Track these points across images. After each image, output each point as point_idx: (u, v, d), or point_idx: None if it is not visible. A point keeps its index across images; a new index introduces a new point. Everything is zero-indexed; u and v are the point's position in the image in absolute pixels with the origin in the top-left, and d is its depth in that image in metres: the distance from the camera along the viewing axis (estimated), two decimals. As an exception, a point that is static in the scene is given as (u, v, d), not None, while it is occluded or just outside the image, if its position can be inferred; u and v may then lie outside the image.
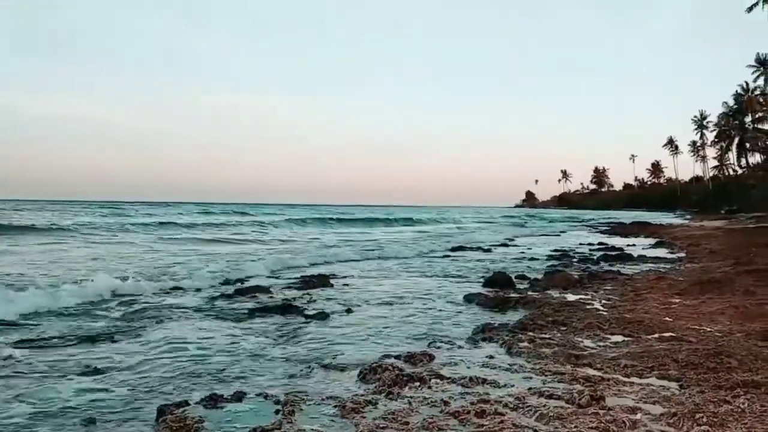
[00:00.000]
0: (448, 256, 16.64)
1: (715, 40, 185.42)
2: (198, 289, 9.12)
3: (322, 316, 6.92)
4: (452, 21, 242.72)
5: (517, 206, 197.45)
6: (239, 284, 9.66)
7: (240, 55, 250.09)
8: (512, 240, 24.82)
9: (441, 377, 4.21)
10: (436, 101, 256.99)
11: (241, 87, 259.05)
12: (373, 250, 17.84)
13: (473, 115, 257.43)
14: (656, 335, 5.57)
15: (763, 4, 52.46)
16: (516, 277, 10.69)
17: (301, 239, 23.15)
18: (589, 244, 21.55)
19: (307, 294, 8.74)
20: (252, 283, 9.88)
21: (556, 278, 10.11)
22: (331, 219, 42.08)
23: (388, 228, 36.58)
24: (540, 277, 10.75)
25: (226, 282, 10.04)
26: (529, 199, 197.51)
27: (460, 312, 7.41)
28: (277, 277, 11.19)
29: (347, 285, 9.91)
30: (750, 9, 53.32)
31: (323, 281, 9.99)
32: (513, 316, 6.89)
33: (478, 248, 19.25)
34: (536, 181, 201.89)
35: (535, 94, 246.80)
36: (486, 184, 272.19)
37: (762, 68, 64.58)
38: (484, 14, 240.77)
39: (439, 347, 5.32)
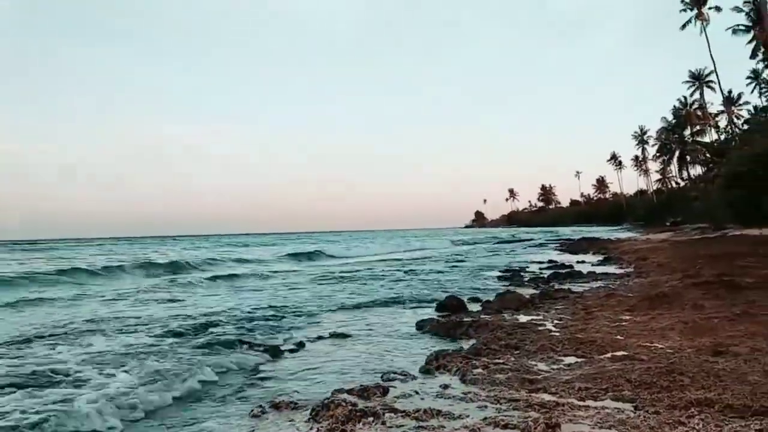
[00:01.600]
0: (401, 280, 16.62)
1: (653, 57, 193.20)
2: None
3: (275, 351, 6.77)
4: (393, 41, 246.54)
5: (466, 226, 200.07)
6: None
7: (170, 84, 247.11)
8: (463, 261, 25.02)
9: (395, 411, 4.15)
10: (380, 125, 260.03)
11: (177, 117, 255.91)
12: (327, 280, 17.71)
13: (419, 137, 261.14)
14: (609, 354, 5.65)
15: (695, 21, 55.33)
16: (468, 300, 10.75)
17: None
18: (540, 262, 21.92)
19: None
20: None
21: (508, 299, 10.21)
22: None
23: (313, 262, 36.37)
24: (492, 298, 10.82)
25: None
26: (479, 219, 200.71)
27: (413, 340, 7.37)
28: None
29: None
30: (683, 26, 56.15)
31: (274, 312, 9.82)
32: (467, 342, 6.89)
33: (430, 270, 19.33)
34: (485, 200, 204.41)
35: (481, 114, 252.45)
36: (435, 206, 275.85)
37: (697, 82, 67.67)
38: (429, 34, 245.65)
39: (392, 379, 5.25)
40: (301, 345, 7.21)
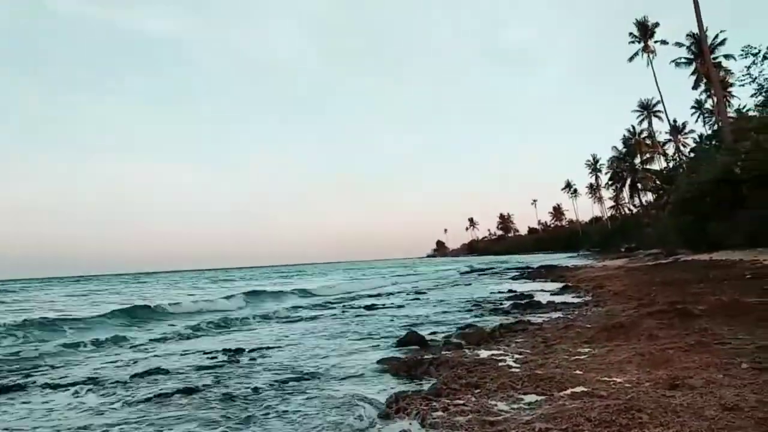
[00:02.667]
0: (360, 315, 16.46)
1: (605, 86, 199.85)
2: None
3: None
4: (347, 74, 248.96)
5: (428, 256, 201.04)
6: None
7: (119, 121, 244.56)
8: (424, 293, 24.98)
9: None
10: (338, 158, 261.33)
11: (126, 154, 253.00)
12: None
13: (380, 170, 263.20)
14: (568, 391, 5.63)
15: (642, 54, 57.48)
16: (429, 334, 10.69)
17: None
18: (500, 292, 22.04)
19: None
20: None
21: (469, 333, 10.17)
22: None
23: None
24: (453, 332, 10.79)
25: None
26: (440, 249, 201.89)
27: (372, 380, 7.24)
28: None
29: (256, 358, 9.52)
30: (631, 58, 58.30)
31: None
32: (428, 380, 6.80)
33: (391, 304, 19.23)
34: (445, 230, 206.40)
35: (439, 146, 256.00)
36: (396, 237, 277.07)
37: (645, 112, 70.07)
38: (384, 66, 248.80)
39: (351, 425, 5.12)
40: (255, 391, 6.99)
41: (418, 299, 21.43)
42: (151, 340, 13.03)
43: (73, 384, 7.98)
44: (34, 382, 8.32)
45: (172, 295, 31.51)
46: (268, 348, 10.60)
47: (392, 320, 14.30)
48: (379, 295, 25.59)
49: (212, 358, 9.70)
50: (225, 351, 10.27)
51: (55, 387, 7.88)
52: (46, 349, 11.80)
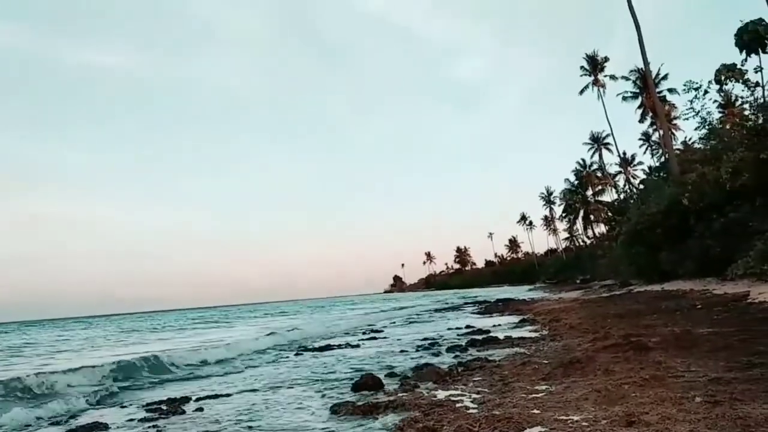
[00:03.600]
0: (314, 357, 16.17)
1: (558, 117, 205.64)
2: None
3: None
4: (300, 105, 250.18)
5: (386, 291, 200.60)
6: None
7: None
8: (381, 331, 24.77)
9: None
10: (294, 192, 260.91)
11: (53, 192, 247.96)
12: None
13: (336, 204, 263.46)
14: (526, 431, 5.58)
15: (592, 87, 59.44)
16: (386, 376, 10.53)
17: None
18: (457, 328, 22.01)
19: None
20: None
21: (426, 373, 10.07)
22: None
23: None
24: (410, 373, 10.66)
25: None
26: (398, 284, 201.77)
27: (326, 429, 7.05)
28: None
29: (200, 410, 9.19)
30: (581, 92, 60.21)
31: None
32: (383, 426, 6.66)
33: (346, 344, 18.97)
34: (403, 265, 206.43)
35: (394, 179, 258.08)
36: (353, 273, 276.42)
37: (596, 144, 72.15)
38: (344, 101, 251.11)
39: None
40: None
41: (375, 338, 21.22)
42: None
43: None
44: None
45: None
46: (217, 396, 10.28)
47: (348, 362, 14.09)
48: (333, 335, 25.23)
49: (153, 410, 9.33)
50: (169, 401, 9.92)
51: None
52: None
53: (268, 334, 24.42)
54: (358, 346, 18.49)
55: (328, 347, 18.50)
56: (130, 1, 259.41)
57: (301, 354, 17.24)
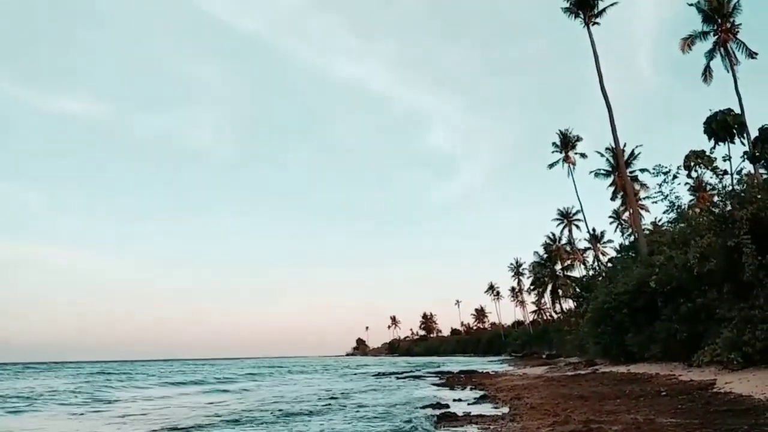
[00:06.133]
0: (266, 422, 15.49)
1: (530, 187, 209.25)
2: None
3: None
4: (278, 168, 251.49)
5: (348, 354, 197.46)
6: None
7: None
8: (337, 398, 24.02)
9: None
10: (260, 253, 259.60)
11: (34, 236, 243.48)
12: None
13: (301, 265, 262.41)
14: None
15: (563, 164, 60.70)
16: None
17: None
18: (416, 399, 21.42)
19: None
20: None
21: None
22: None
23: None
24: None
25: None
26: (360, 347, 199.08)
27: None
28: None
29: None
30: (551, 166, 61.42)
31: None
32: None
33: (300, 411, 18.27)
34: (366, 328, 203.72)
35: (362, 242, 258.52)
36: (316, 334, 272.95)
37: (565, 220, 73.19)
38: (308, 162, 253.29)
39: None
40: None
41: (330, 406, 20.50)
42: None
43: None
44: None
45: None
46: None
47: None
48: (287, 401, 24.40)
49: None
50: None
51: None
52: None
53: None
54: (311, 413, 17.85)
55: (280, 412, 17.84)
56: (103, 53, 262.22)
57: (246, 420, 16.51)
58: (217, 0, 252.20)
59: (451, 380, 33.86)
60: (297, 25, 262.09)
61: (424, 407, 18.39)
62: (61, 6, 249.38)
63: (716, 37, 40.30)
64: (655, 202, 27.09)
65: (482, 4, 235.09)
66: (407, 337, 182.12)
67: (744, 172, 25.89)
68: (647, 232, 39.79)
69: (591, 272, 59.18)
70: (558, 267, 78.25)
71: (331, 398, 24.14)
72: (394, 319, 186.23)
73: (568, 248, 76.29)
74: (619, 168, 49.13)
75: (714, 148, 25.53)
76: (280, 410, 18.62)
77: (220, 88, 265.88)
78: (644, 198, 55.54)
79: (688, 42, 41.22)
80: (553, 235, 77.49)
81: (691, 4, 40.86)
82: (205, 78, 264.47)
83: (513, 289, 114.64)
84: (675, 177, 23.89)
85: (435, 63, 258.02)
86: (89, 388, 33.86)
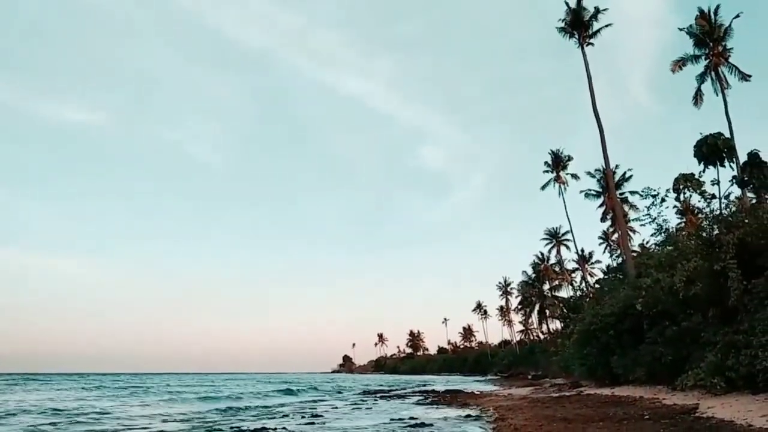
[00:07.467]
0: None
1: (519, 206, 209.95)
2: None
3: None
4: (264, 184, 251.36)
5: (334, 371, 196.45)
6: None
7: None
8: (321, 416, 23.89)
9: None
10: (251, 266, 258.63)
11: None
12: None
13: (290, 279, 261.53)
14: None
15: (554, 184, 61.02)
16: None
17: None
18: (400, 419, 21.34)
19: None
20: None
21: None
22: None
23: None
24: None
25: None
26: (347, 364, 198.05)
27: None
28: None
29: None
30: (543, 187, 61.72)
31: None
32: None
33: (283, 429, 18.16)
34: (353, 344, 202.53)
35: (351, 259, 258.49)
36: (303, 349, 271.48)
37: (553, 240, 73.47)
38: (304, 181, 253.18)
39: None
40: None
41: (314, 424, 20.40)
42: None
43: None
44: None
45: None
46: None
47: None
48: (273, 416, 24.26)
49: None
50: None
51: None
52: None
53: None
54: None
55: (263, 430, 17.72)
56: (104, 65, 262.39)
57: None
58: (221, 16, 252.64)
59: (436, 399, 33.78)
60: (298, 41, 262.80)
61: (407, 426, 18.36)
62: (69, 14, 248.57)
63: (707, 60, 40.84)
64: (643, 225, 27.29)
65: (480, 24, 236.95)
66: (394, 354, 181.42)
67: (732, 196, 26.23)
68: (635, 254, 40.04)
69: (578, 293, 59.37)
70: (546, 287, 78.41)
71: (313, 415, 24.01)
72: (381, 337, 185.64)
73: (556, 268, 76.47)
74: (609, 189, 49.52)
75: (704, 171, 25.76)
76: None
77: (221, 101, 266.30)
78: (633, 220, 55.96)
79: (679, 64, 41.68)
80: (542, 254, 77.68)
81: (682, 29, 41.43)
82: (206, 92, 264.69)
83: (501, 308, 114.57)
84: (663, 200, 24.10)
85: (432, 82, 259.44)
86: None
